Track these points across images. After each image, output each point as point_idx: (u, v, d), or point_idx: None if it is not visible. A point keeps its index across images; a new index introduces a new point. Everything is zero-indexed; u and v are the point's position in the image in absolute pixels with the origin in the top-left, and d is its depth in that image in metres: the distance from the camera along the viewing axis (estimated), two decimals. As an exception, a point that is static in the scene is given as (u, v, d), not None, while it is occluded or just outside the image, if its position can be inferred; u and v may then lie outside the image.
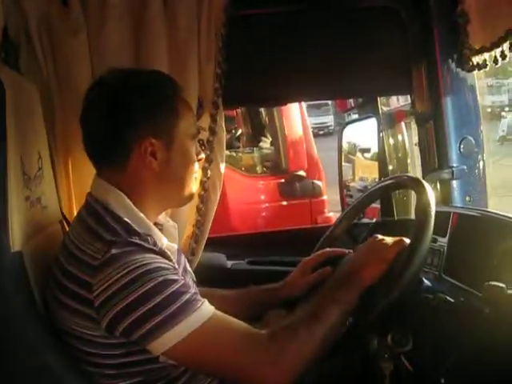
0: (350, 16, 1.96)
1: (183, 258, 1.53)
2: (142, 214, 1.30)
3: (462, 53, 1.88)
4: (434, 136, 1.99)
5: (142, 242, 1.21)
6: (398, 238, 1.35)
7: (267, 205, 4.99)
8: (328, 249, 1.65)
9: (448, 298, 1.31)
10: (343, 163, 2.95)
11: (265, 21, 1.94)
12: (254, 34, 1.92)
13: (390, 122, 2.53)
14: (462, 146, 1.95)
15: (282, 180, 4.96)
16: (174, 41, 1.79)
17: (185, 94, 1.43)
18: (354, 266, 1.36)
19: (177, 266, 1.29)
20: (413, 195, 2.30)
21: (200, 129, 1.50)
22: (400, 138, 2.55)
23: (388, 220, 2.39)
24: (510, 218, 1.46)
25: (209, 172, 1.91)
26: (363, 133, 2.84)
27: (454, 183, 1.97)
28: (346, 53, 1.96)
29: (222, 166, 1.95)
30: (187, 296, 1.19)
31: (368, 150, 2.94)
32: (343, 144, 2.95)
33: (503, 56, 1.73)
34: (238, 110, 5.88)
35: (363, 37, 1.95)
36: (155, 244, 1.24)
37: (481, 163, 2.00)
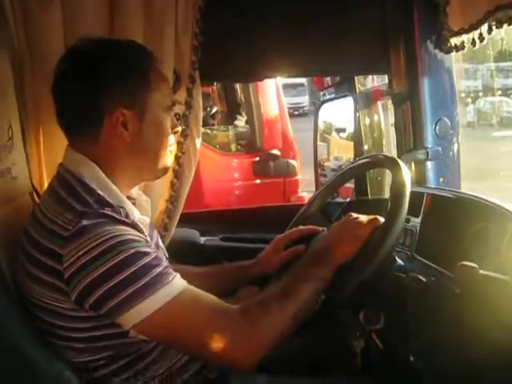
0: None
1: (155, 233, 1.52)
2: (114, 186, 1.28)
3: (441, 34, 1.88)
4: (410, 116, 1.99)
5: (114, 214, 1.19)
6: (372, 217, 1.35)
7: (241, 183, 4.98)
8: (301, 227, 1.65)
9: (420, 277, 1.31)
10: (318, 142, 2.95)
11: None
12: (232, 7, 1.88)
13: (367, 101, 2.52)
14: (437, 128, 1.96)
15: (256, 158, 4.94)
16: (149, 11, 1.76)
17: (160, 66, 1.39)
18: (327, 244, 1.36)
19: (149, 239, 1.27)
20: (387, 175, 2.32)
21: (176, 102, 1.47)
22: (376, 117, 2.55)
23: (362, 199, 2.39)
24: (482, 199, 1.47)
25: (184, 147, 1.89)
26: (339, 112, 2.83)
27: (429, 164, 1.98)
28: (325, 30, 1.93)
29: (198, 142, 1.93)
30: (159, 269, 1.17)
31: (343, 130, 2.94)
32: (319, 123, 2.94)
33: (481, 38, 1.74)
34: (214, 88, 5.84)
35: (342, 14, 1.93)
36: (127, 216, 1.22)
37: (455, 145, 2.01)
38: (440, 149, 1.97)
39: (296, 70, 2.07)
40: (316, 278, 1.28)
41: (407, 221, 1.63)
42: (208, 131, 5.23)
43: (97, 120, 1.29)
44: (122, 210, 1.23)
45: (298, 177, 5.00)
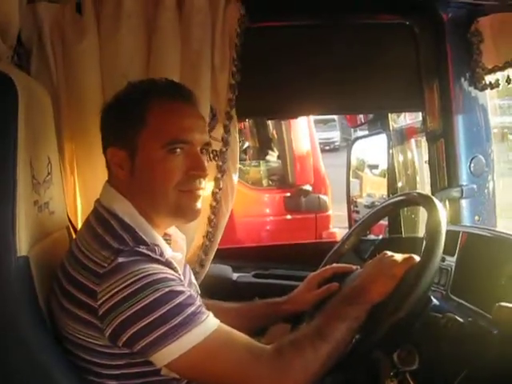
0: (364, 31, 1.97)
1: (188, 270, 1.52)
2: (146, 223, 1.29)
3: (475, 71, 1.89)
4: (444, 154, 1.98)
5: (149, 252, 1.20)
6: (407, 255, 1.33)
7: (272, 218, 4.99)
8: (335, 264, 1.64)
9: (457, 317, 1.29)
10: (351, 179, 2.95)
11: (279, 34, 1.94)
12: (267, 46, 1.91)
13: (400, 138, 2.53)
14: (472, 165, 1.95)
15: (288, 194, 4.94)
16: (186, 50, 1.78)
17: (189, 102, 1.36)
18: (362, 282, 1.34)
19: (182, 278, 1.27)
20: (421, 213, 2.30)
21: (212, 139, 1.46)
22: (409, 154, 2.54)
23: (395, 237, 2.37)
24: (518, 238, 1.45)
25: (221, 183, 1.89)
26: (372, 149, 2.84)
27: (464, 202, 1.96)
28: (359, 68, 1.95)
29: (235, 177, 1.93)
30: (192, 308, 1.17)
31: (376, 167, 2.94)
32: (352, 159, 2.94)
33: (516, 75, 1.74)
34: (246, 123, 5.89)
35: (376, 52, 1.95)
36: (162, 254, 1.23)
37: (490, 183, 1.99)
38: (475, 186, 1.96)
39: (331, 108, 2.09)
40: (350, 317, 1.26)
41: (442, 260, 1.61)
42: (240, 166, 5.25)
43: (106, 161, 1.35)
44: (156, 248, 1.23)
45: (330, 212, 4.98)
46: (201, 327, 1.16)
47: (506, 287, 1.35)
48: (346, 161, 2.87)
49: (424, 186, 2.42)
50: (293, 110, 2.09)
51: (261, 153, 5.75)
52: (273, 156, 5.58)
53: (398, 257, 1.35)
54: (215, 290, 1.65)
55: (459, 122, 1.94)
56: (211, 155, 1.84)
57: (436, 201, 1.39)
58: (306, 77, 1.93)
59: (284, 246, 2.95)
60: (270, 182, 5.24)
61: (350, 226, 2.70)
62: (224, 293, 1.78)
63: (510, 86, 1.81)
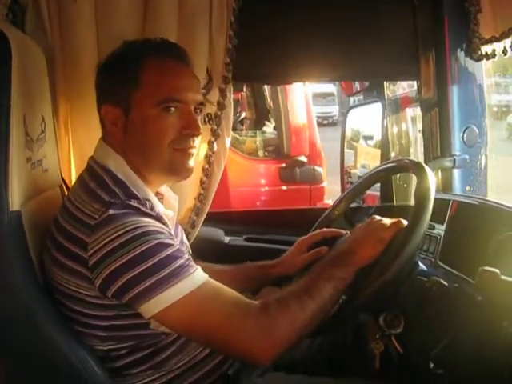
0: None
1: (180, 231, 1.54)
2: (139, 179, 1.31)
3: (472, 41, 1.88)
4: (438, 123, 1.99)
5: (140, 206, 1.22)
6: (396, 220, 1.35)
7: (267, 189, 5.00)
8: (325, 229, 1.65)
9: (442, 281, 1.31)
10: (345, 150, 2.95)
11: None
12: (265, 10, 1.90)
13: (395, 107, 2.52)
14: (465, 135, 1.95)
15: (283, 165, 4.95)
16: (183, 12, 1.77)
17: (193, 67, 1.40)
18: (350, 245, 1.35)
19: (173, 233, 1.29)
20: (413, 182, 2.31)
21: (207, 102, 1.46)
22: (404, 124, 2.54)
23: (387, 205, 2.38)
24: (508, 207, 1.46)
25: (215, 146, 1.90)
26: (367, 120, 2.83)
27: (456, 172, 1.97)
28: (356, 34, 1.94)
29: (228, 141, 1.95)
30: (181, 261, 1.18)
31: (371, 138, 2.94)
32: (347, 130, 2.94)
33: (513, 47, 1.74)
34: (243, 94, 5.87)
35: (374, 20, 1.94)
36: (152, 209, 1.24)
37: (483, 155, 2.00)
38: (467, 157, 1.97)
39: (326, 74, 2.07)
40: (337, 277, 1.27)
41: (432, 228, 1.63)
42: (237, 136, 5.26)
43: (100, 118, 1.37)
44: (147, 202, 1.25)
45: (324, 184, 4.99)
46: (188, 279, 1.17)
47: (494, 256, 1.36)
48: (341, 130, 2.87)
49: (417, 156, 2.43)
50: (288, 75, 2.07)
51: (257, 123, 5.74)
52: (269, 127, 5.57)
53: (387, 221, 1.36)
54: (207, 253, 1.67)
55: (454, 91, 1.94)
56: (206, 118, 1.84)
57: (426, 167, 1.40)
58: (302, 42, 1.92)
59: (276, 212, 2.96)
60: (266, 153, 5.25)
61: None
62: (216, 255, 1.79)
63: (506, 56, 1.81)
